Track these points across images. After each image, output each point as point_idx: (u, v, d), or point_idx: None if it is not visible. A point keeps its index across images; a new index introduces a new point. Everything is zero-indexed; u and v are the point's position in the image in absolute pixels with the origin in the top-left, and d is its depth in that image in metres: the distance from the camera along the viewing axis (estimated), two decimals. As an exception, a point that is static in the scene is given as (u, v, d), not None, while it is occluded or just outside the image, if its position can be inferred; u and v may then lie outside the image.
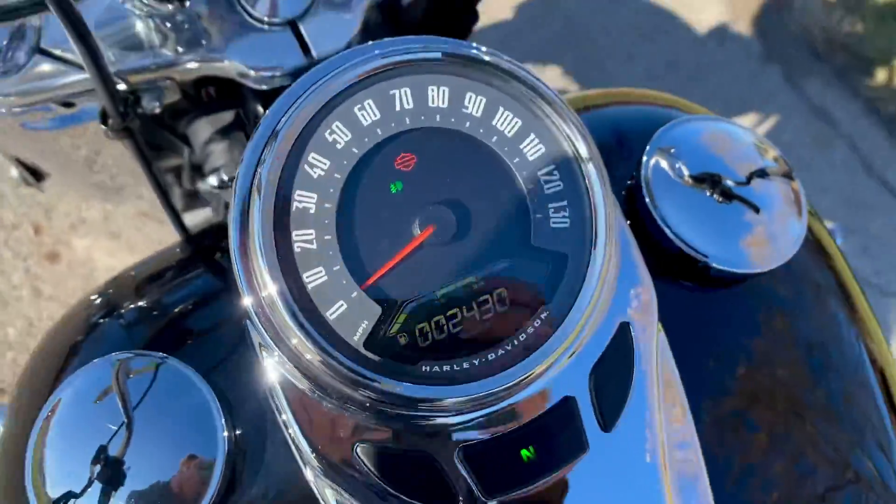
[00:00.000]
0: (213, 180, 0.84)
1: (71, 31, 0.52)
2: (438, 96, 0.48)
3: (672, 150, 0.64)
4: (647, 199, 0.61)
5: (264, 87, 0.70)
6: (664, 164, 0.63)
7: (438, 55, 0.48)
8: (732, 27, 3.39)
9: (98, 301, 0.70)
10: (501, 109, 0.49)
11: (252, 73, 0.68)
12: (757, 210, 0.63)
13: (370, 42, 0.49)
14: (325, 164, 0.46)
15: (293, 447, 0.50)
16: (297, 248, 0.45)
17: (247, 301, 0.46)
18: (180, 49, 0.68)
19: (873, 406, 0.69)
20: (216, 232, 0.81)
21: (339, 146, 0.46)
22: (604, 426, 0.49)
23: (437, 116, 0.48)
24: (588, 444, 0.48)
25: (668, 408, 0.53)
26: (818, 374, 0.68)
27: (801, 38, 3.42)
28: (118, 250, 2.39)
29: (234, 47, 0.68)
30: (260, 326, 0.46)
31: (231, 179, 0.85)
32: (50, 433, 0.55)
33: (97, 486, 0.53)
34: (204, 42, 0.67)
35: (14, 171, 1.07)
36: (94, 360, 0.57)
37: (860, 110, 3.26)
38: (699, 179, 0.63)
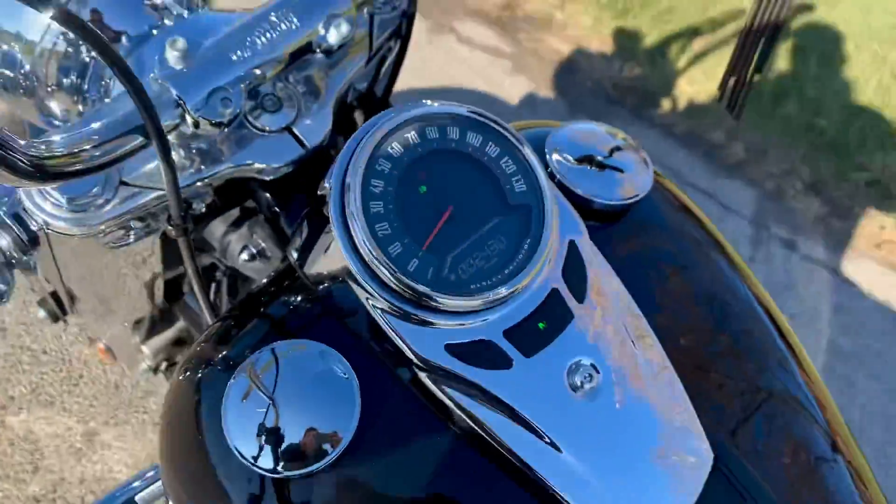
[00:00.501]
0: (244, 256, 1.11)
1: (163, 160, 0.78)
2: (433, 131, 0.79)
3: (557, 148, 0.98)
4: (558, 177, 0.94)
5: (271, 177, 0.99)
6: (557, 157, 0.97)
7: (431, 111, 0.80)
8: (538, 94, 3.92)
9: (197, 356, 0.91)
10: (469, 132, 0.81)
11: (267, 167, 0.97)
12: (622, 171, 0.98)
13: (383, 111, 0.80)
14: (381, 183, 0.76)
15: (400, 365, 0.78)
16: (380, 234, 0.74)
17: (361, 277, 0.73)
18: (212, 162, 0.95)
19: (766, 332, 0.96)
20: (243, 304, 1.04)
21: (385, 172, 0.76)
22: (579, 300, 0.80)
23: (435, 143, 0.79)
24: (573, 313, 0.79)
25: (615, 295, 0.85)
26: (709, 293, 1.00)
27: (595, 90, 4.01)
28: (56, 416, 2.45)
29: (252, 152, 0.96)
30: (371, 290, 0.74)
31: (259, 252, 1.12)
32: (229, 428, 0.77)
33: (267, 448, 0.77)
34: (231, 153, 0.95)
35: (42, 312, 1.25)
36: (230, 381, 0.80)
37: (659, 136, 3.85)
38: (580, 160, 0.98)
